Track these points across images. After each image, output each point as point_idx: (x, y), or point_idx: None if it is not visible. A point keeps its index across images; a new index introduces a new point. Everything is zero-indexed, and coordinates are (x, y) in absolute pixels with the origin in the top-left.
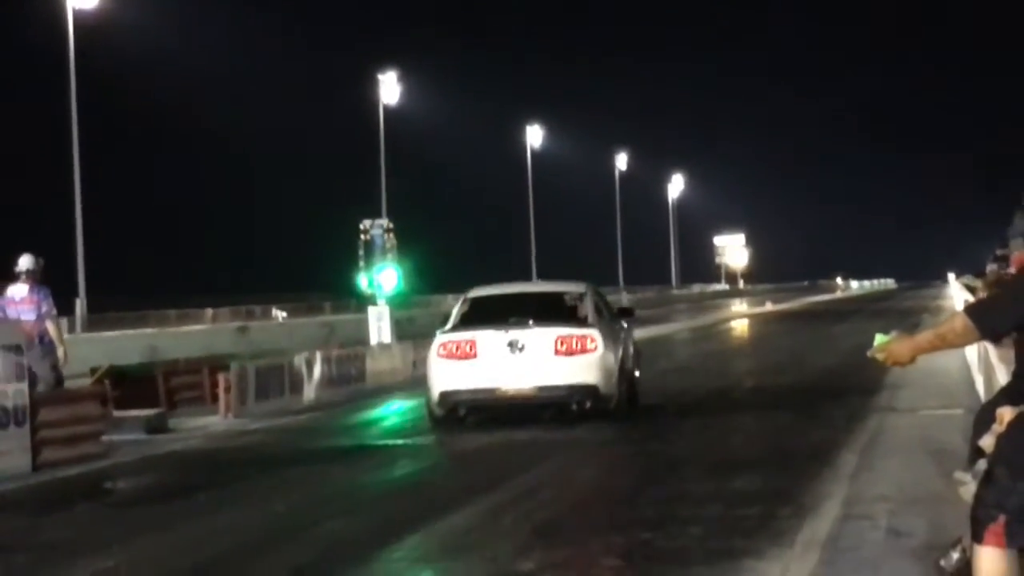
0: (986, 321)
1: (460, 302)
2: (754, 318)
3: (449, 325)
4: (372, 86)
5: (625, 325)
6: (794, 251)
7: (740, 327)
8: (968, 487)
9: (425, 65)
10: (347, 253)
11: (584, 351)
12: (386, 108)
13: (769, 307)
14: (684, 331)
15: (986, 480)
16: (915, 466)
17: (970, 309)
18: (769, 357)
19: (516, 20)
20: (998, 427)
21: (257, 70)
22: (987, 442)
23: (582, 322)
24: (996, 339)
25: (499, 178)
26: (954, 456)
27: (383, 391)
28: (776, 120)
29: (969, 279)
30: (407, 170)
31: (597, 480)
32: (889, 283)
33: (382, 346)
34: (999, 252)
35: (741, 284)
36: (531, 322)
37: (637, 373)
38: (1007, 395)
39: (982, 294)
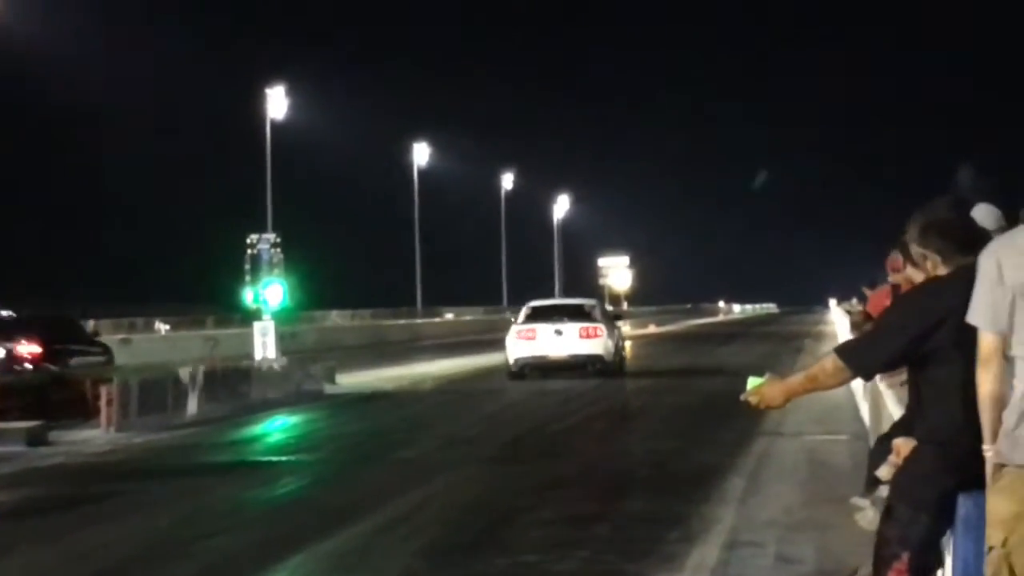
0: (858, 361)
1: (525, 308)
2: (638, 340)
3: (520, 320)
4: (260, 100)
5: (617, 324)
6: (677, 274)
7: (625, 349)
8: (865, 513)
9: (314, 80)
10: (233, 267)
11: (596, 336)
12: (274, 122)
13: (653, 329)
14: None
15: (887, 517)
16: (802, 491)
17: (841, 349)
18: (654, 379)
19: (408, 36)
20: (895, 458)
21: (142, 81)
22: (884, 472)
23: (594, 320)
24: (869, 378)
25: (388, 194)
26: (841, 481)
27: (267, 406)
28: (661, 145)
29: (851, 305)
30: (295, 185)
31: (479, 501)
32: (771, 307)
33: (267, 361)
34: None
35: (624, 306)
36: (566, 319)
37: (625, 352)
38: (902, 427)
39: (852, 319)
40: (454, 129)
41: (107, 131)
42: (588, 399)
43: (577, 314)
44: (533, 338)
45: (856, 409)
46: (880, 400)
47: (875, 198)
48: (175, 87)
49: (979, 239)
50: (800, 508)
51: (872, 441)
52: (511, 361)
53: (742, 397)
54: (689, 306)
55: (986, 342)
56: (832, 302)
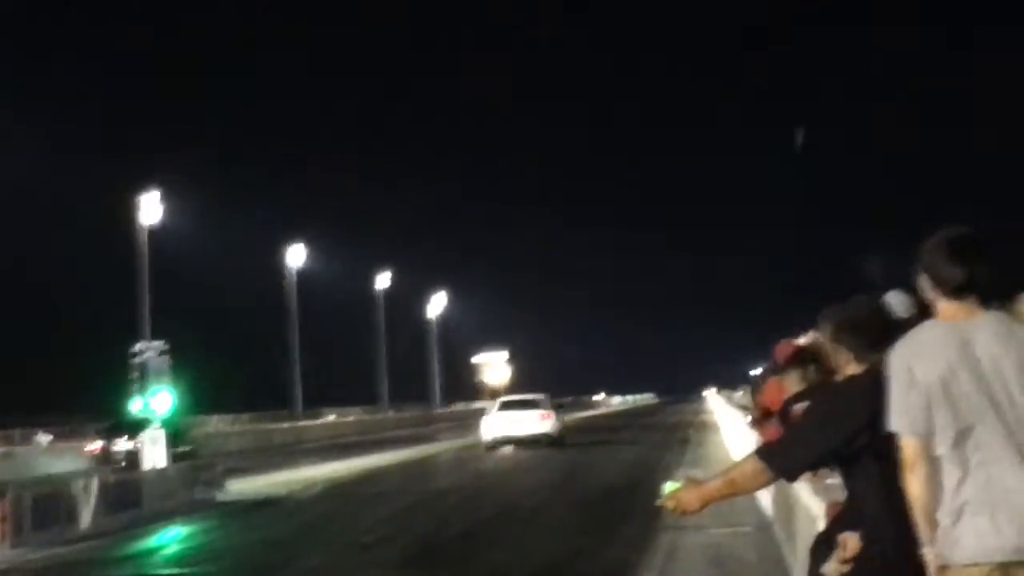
0: (781, 464)
1: (498, 401)
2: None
3: (494, 410)
4: (133, 206)
5: (560, 410)
6: (555, 367)
7: (513, 446)
8: None
9: (188, 183)
10: (111, 375)
11: (547, 419)
12: (149, 228)
13: None
14: (452, 450)
15: None
16: None
17: (763, 452)
18: (547, 475)
19: (276, 138)
20: (842, 553)
21: (8, 185)
22: (831, 569)
23: (545, 408)
24: (792, 480)
25: (264, 295)
26: (751, 575)
27: (160, 517)
28: (533, 239)
29: (738, 397)
30: (167, 288)
31: None
32: (649, 397)
33: (158, 470)
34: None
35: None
36: (526, 408)
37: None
38: (844, 520)
39: (751, 413)
40: (330, 229)
41: None
42: (485, 499)
43: (533, 405)
44: (502, 421)
45: (754, 499)
46: (788, 491)
47: (749, 287)
48: (44, 191)
49: (892, 335)
50: None
51: (778, 531)
52: (487, 439)
53: (658, 503)
54: (570, 399)
55: (908, 447)
56: (709, 391)
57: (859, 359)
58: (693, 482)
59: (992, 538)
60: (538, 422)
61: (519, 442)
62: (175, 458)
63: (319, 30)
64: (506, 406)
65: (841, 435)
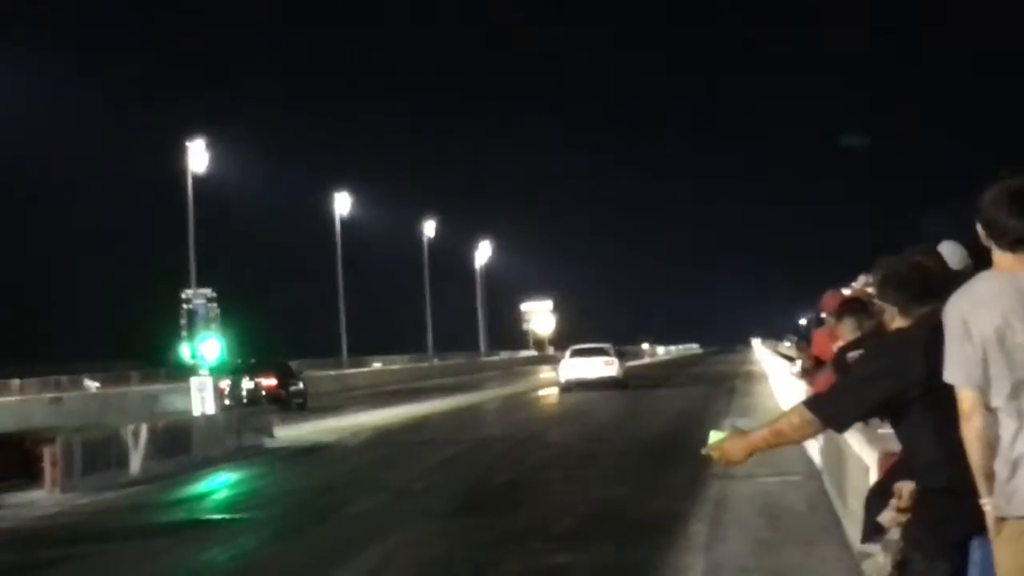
0: (832, 415)
1: (569, 350)
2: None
3: (567, 356)
4: (181, 154)
5: (623, 356)
6: (600, 317)
7: (557, 393)
8: (875, 559)
9: (234, 131)
10: (159, 322)
11: (612, 364)
12: (196, 176)
13: None
14: (499, 398)
15: (903, 569)
16: (765, 535)
17: (813, 404)
18: (594, 425)
19: (327, 86)
20: (897, 502)
21: (58, 136)
22: (887, 518)
23: (610, 355)
24: (842, 431)
25: (313, 244)
26: (801, 524)
27: (210, 463)
28: (581, 190)
29: (786, 347)
30: (217, 238)
31: (443, 556)
32: (694, 348)
33: (207, 416)
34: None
35: (550, 350)
36: (594, 355)
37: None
38: (901, 471)
39: (802, 362)
40: (376, 178)
41: (26, 185)
42: (532, 448)
43: (600, 352)
44: (575, 365)
45: (804, 449)
46: (838, 441)
47: (795, 237)
48: (94, 141)
49: (936, 288)
50: (767, 553)
51: (827, 480)
52: (562, 380)
53: (703, 451)
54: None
55: (965, 399)
56: (755, 341)
57: (904, 313)
58: (738, 432)
59: None
60: (604, 367)
61: (588, 384)
62: (289, 396)
63: None
64: (577, 353)
65: (891, 388)
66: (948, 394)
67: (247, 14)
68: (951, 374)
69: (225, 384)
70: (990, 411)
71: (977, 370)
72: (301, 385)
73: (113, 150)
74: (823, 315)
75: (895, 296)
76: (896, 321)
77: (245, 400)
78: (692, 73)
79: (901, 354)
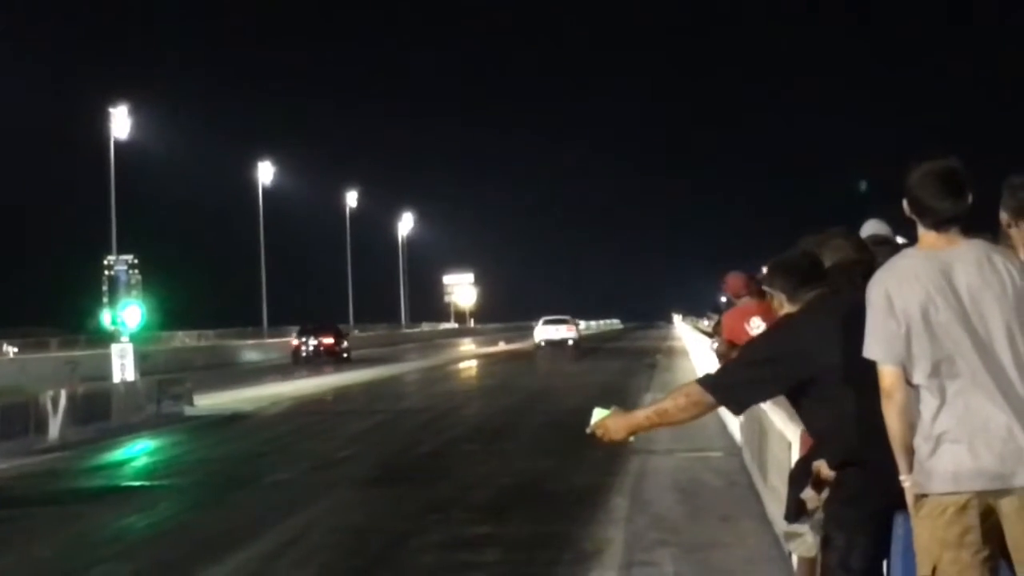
0: (728, 395)
1: (541, 319)
2: (490, 357)
3: (540, 323)
4: (104, 120)
5: (580, 324)
6: (521, 290)
7: (477, 366)
8: (804, 539)
9: (158, 99)
10: (83, 288)
11: (572, 330)
12: (118, 142)
13: (503, 347)
14: (419, 371)
15: (825, 546)
16: (685, 509)
17: (710, 384)
18: (515, 398)
19: (252, 57)
20: (817, 478)
21: None
22: (809, 495)
23: (571, 323)
24: (739, 412)
25: (232, 213)
26: (721, 498)
27: (129, 429)
28: (505, 164)
29: (702, 324)
30: (138, 205)
31: (365, 525)
32: (615, 323)
33: (127, 383)
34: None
35: (471, 323)
36: (559, 324)
37: (578, 338)
38: (817, 451)
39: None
40: (298, 148)
41: None
42: (453, 419)
43: (563, 322)
44: (544, 330)
45: (724, 425)
46: (761, 417)
47: (710, 214)
48: (14, 108)
49: (819, 272)
50: (687, 527)
51: (747, 456)
52: (537, 340)
53: (588, 429)
54: (534, 323)
55: (887, 375)
56: (677, 317)
57: (791, 299)
58: (620, 411)
59: (970, 466)
60: (566, 331)
61: (555, 343)
62: (340, 350)
63: None
64: (547, 322)
65: (785, 372)
66: (846, 373)
67: None
68: (872, 349)
69: (296, 343)
70: (911, 387)
71: (899, 346)
72: (345, 343)
73: (35, 116)
74: (729, 296)
75: (782, 283)
76: (785, 307)
77: (304, 355)
78: (623, 47)
79: (793, 338)
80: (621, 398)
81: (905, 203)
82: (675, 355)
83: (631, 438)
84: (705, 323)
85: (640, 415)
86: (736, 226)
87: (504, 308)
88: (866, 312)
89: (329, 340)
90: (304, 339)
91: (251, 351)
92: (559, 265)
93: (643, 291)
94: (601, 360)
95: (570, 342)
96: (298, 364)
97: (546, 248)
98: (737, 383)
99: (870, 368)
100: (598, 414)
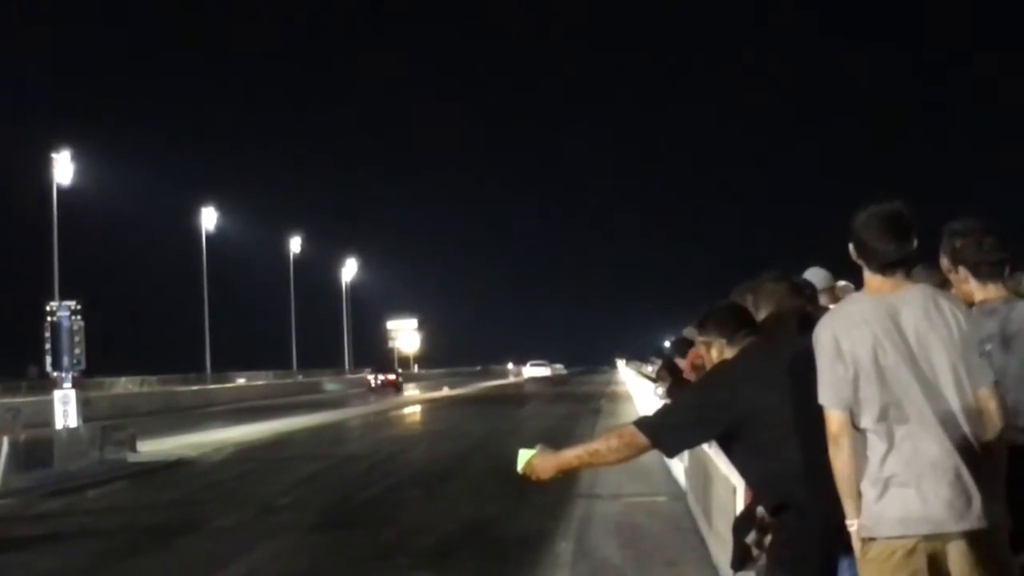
0: (665, 441)
1: (529, 362)
2: (434, 403)
3: (528, 365)
4: (46, 166)
5: (555, 365)
6: (465, 336)
7: (421, 412)
8: None
9: (100, 144)
10: (23, 334)
11: (548, 369)
12: (61, 188)
13: (447, 392)
14: (365, 415)
15: None
16: (631, 554)
17: (646, 427)
18: (458, 443)
19: (198, 102)
20: (760, 524)
21: None
22: (752, 539)
23: (548, 365)
24: (671, 456)
25: (179, 258)
26: (667, 543)
27: (71, 476)
28: (448, 209)
29: (648, 369)
30: (90, 250)
31: (307, 571)
32: (559, 368)
33: (69, 430)
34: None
35: (415, 368)
36: (540, 365)
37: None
38: (757, 497)
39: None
40: (243, 194)
41: None
42: (396, 464)
43: (543, 364)
44: (532, 370)
45: (668, 469)
46: (705, 461)
47: (654, 260)
48: None
49: (751, 319)
50: (632, 572)
51: (692, 501)
52: (525, 377)
53: (518, 470)
54: (479, 368)
55: (834, 420)
56: (620, 362)
57: (730, 343)
58: (548, 449)
59: (918, 511)
60: (544, 371)
61: (537, 378)
62: (399, 385)
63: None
64: (532, 364)
65: (721, 417)
66: (780, 418)
67: (116, 25)
68: (821, 395)
69: (372, 378)
70: (858, 432)
71: (847, 390)
72: (400, 380)
73: None
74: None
75: (719, 330)
76: (724, 353)
77: (372, 386)
78: (575, 97)
79: (727, 383)
80: (566, 443)
81: (851, 246)
82: (619, 400)
83: (559, 476)
84: (649, 368)
85: (570, 454)
86: (681, 271)
87: (448, 353)
88: (814, 357)
89: (392, 377)
90: (375, 376)
91: (193, 397)
92: (502, 311)
93: (587, 336)
94: (545, 405)
95: (548, 375)
96: (372, 392)
97: (490, 294)
98: (671, 426)
99: (803, 413)
100: (524, 455)
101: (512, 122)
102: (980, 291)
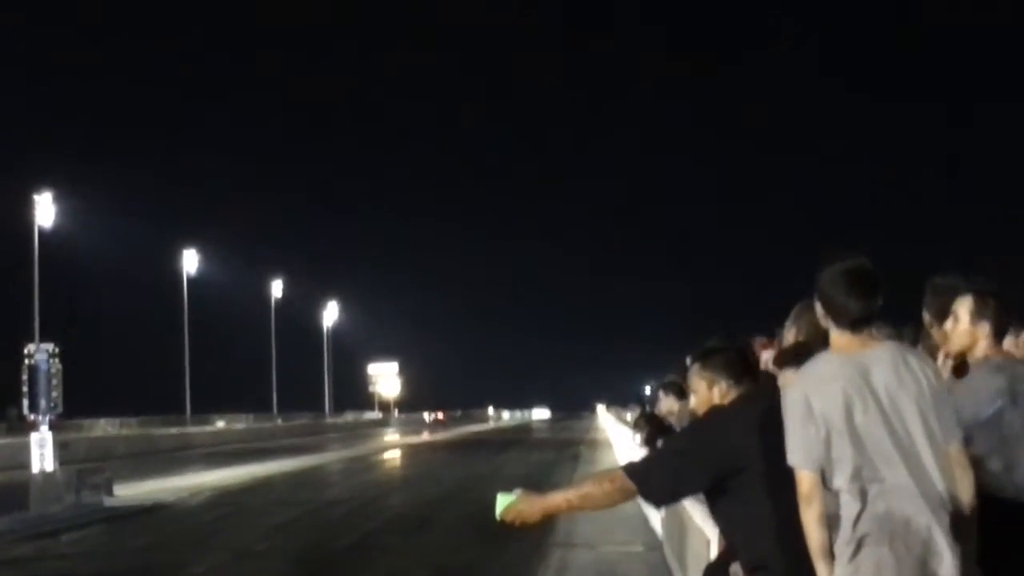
0: (653, 491)
1: (534, 408)
2: (414, 448)
3: (534, 409)
4: (28, 207)
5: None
6: (445, 380)
7: (401, 456)
8: None
9: (82, 187)
10: (1, 377)
11: (548, 412)
12: (43, 230)
13: (427, 437)
14: (342, 461)
15: None
16: None
17: (634, 474)
18: (436, 489)
19: (176, 143)
20: None
21: None
22: None
23: (547, 407)
24: (659, 507)
25: (158, 301)
26: None
27: (47, 520)
28: (430, 253)
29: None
30: (69, 294)
31: None
32: (550, 413)
33: (45, 474)
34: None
35: (395, 413)
36: (541, 408)
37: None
38: (730, 552)
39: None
40: (224, 237)
41: None
42: (374, 510)
43: (542, 406)
44: (537, 412)
45: (645, 519)
46: (681, 513)
47: (634, 306)
48: None
49: (756, 367)
50: None
51: (668, 551)
52: (533, 418)
53: (497, 516)
54: (459, 413)
55: (805, 480)
56: (600, 407)
57: (736, 386)
58: (528, 493)
59: (892, 569)
60: (545, 413)
61: (541, 419)
62: (449, 421)
63: (208, 35)
64: (536, 408)
65: (712, 468)
66: (768, 472)
67: (92, 70)
68: (791, 456)
69: (429, 415)
70: (829, 492)
71: (819, 450)
72: (446, 418)
73: None
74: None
75: (728, 370)
76: (728, 395)
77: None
78: (542, 138)
79: (721, 431)
80: (545, 490)
81: (817, 306)
82: (598, 447)
83: (544, 520)
84: (628, 415)
85: (558, 497)
86: (662, 314)
87: (428, 398)
88: (783, 418)
89: (441, 416)
90: (431, 414)
91: (173, 440)
92: (483, 355)
93: (566, 381)
94: (524, 452)
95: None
96: (428, 426)
97: (470, 338)
98: (659, 473)
99: (777, 470)
100: (503, 500)
101: (495, 166)
102: (991, 348)
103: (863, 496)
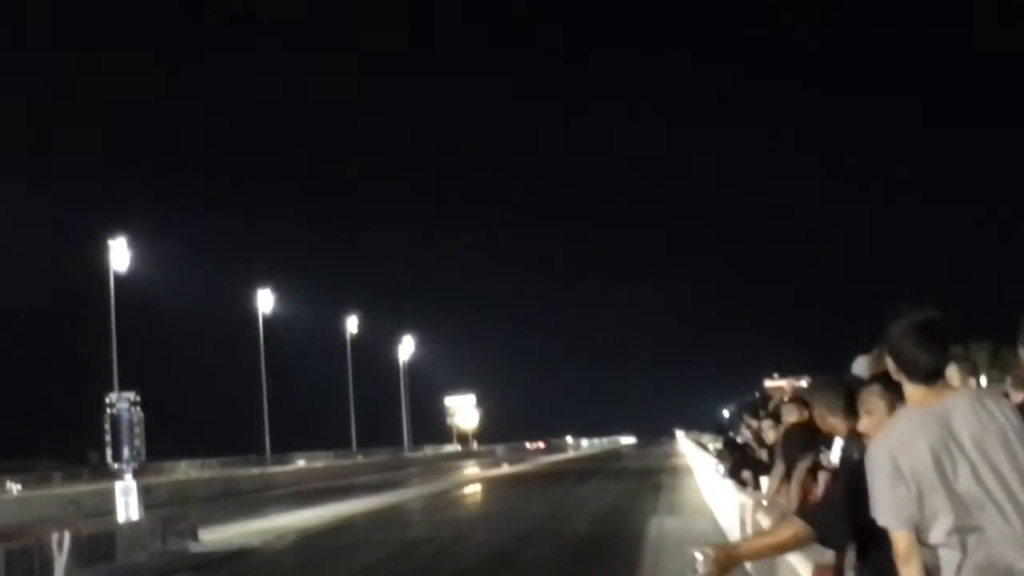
0: (833, 536)
1: (621, 436)
2: (492, 481)
3: (622, 436)
4: (102, 252)
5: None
6: (524, 410)
7: (481, 491)
8: None
9: (155, 230)
10: (81, 421)
11: (633, 438)
12: (117, 274)
13: (506, 469)
14: (424, 496)
15: None
16: None
17: (813, 520)
18: (522, 523)
19: (247, 186)
20: None
21: None
22: None
23: (631, 435)
24: (837, 549)
25: (235, 341)
26: None
27: (134, 569)
28: (505, 285)
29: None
30: (139, 335)
31: None
32: (628, 440)
33: (130, 522)
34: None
35: (474, 445)
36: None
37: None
38: None
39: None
40: (298, 275)
41: None
42: (462, 548)
43: (627, 433)
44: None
45: None
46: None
47: (720, 326)
48: (13, 239)
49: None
50: None
51: None
52: (622, 443)
53: (698, 572)
54: (541, 444)
55: (901, 540)
56: (679, 433)
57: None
58: (723, 545)
59: None
60: (631, 439)
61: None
62: (550, 449)
63: (279, 75)
64: (622, 435)
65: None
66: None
67: (171, 115)
68: (884, 516)
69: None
70: (927, 548)
71: (911, 509)
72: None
73: (33, 248)
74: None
75: (892, 395)
76: (885, 423)
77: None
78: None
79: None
80: (628, 521)
81: (888, 361)
82: (679, 474)
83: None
84: (709, 443)
85: (751, 548)
86: (736, 341)
87: (507, 428)
88: (869, 478)
89: (542, 444)
90: (533, 443)
91: (253, 480)
92: (560, 384)
93: (643, 407)
94: (604, 482)
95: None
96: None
97: (547, 367)
98: (836, 524)
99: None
100: (701, 558)
101: (564, 195)
102: None
103: (963, 547)
